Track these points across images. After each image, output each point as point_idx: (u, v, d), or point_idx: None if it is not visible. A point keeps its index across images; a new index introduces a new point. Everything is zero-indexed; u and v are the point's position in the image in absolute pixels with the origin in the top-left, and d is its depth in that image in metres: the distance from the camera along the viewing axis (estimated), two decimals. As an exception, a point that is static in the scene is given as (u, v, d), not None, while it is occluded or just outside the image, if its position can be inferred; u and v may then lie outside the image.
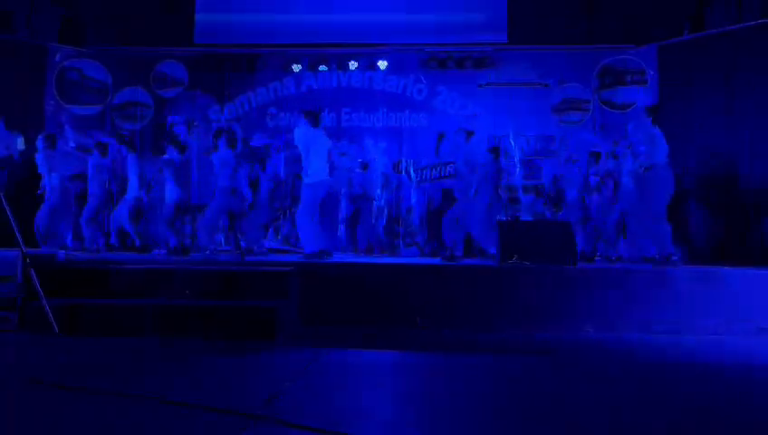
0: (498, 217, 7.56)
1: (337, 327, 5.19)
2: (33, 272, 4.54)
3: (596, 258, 7.72)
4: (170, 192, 7.57)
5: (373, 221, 8.89)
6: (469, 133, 7.48)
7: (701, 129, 8.40)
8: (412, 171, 9.57)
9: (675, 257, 6.40)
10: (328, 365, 3.86)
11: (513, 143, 9.50)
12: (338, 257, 7.40)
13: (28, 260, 4.62)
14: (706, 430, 2.66)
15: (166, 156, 7.77)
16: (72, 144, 9.09)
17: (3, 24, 8.96)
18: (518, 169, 9.46)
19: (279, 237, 8.73)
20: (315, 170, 6.47)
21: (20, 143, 4.58)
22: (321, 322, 5.27)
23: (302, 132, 6.59)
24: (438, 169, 9.48)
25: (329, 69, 9.73)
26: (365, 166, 8.87)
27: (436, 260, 7.47)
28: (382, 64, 9.63)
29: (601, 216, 7.88)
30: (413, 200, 9.51)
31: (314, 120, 6.61)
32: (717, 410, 2.98)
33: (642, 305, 5.36)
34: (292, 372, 3.55)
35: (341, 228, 9.17)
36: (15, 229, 4.61)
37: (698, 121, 8.44)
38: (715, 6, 8.69)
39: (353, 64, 9.65)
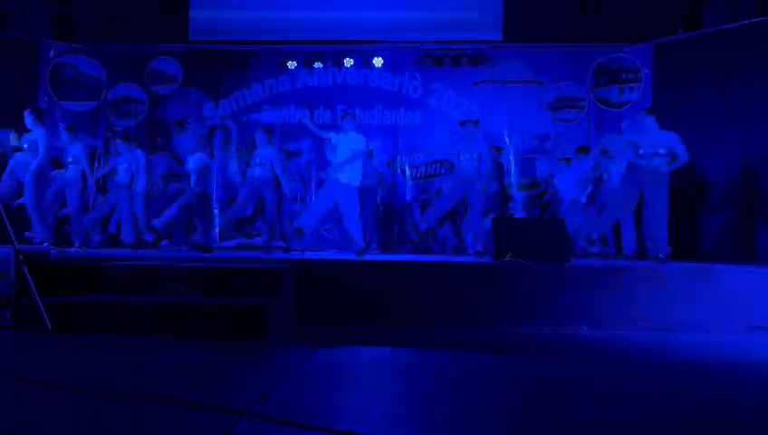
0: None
1: (331, 325, 5.18)
2: (26, 270, 4.52)
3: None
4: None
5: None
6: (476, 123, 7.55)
7: (697, 128, 8.42)
8: (407, 169, 9.57)
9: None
10: (322, 363, 3.86)
11: (508, 141, 9.51)
12: (333, 254, 7.41)
13: (21, 257, 4.60)
14: (704, 429, 2.67)
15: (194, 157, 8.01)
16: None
17: (-4, 22, 8.92)
18: (513, 167, 9.48)
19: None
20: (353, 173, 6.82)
21: (13, 139, 4.54)
22: (316, 320, 5.27)
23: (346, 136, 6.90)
24: (434, 166, 9.50)
25: (324, 66, 9.71)
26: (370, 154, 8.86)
27: (432, 257, 7.49)
28: (378, 62, 9.62)
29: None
30: (408, 197, 9.51)
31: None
32: (717, 410, 2.99)
33: (637, 303, 5.38)
34: (286, 370, 3.55)
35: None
36: (8, 226, 4.59)
37: (694, 120, 8.46)
38: (711, 5, 8.72)
39: (349, 62, 9.63)
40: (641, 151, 6.46)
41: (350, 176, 6.83)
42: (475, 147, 7.21)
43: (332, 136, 7.05)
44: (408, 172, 9.55)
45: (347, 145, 6.86)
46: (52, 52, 9.40)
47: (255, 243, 8.33)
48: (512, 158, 9.50)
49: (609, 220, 7.13)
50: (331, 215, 7.46)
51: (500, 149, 8.45)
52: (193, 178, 7.74)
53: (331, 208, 7.11)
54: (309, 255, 7.06)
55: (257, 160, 7.61)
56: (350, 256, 6.71)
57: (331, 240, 9.02)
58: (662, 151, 6.40)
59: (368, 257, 6.81)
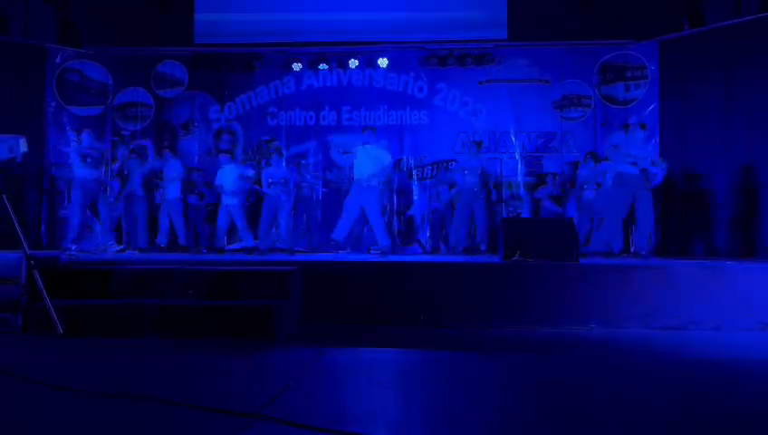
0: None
1: (339, 326, 5.19)
2: (36, 274, 4.54)
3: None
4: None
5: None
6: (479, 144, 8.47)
7: (702, 124, 8.39)
8: (414, 169, 9.56)
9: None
10: (330, 364, 3.87)
11: (514, 140, 9.49)
12: (341, 255, 7.42)
13: (32, 262, 4.62)
14: (715, 427, 2.66)
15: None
16: (74, 145, 9.13)
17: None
18: (519, 166, 9.46)
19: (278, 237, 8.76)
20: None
21: (23, 145, 4.57)
22: (323, 321, 5.28)
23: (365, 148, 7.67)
24: (440, 166, 9.48)
25: (329, 67, 9.72)
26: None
27: (438, 258, 7.51)
28: (383, 62, 9.61)
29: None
30: (414, 198, 9.50)
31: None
32: (728, 408, 2.98)
33: (646, 301, 5.36)
34: (294, 372, 3.55)
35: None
36: (19, 231, 4.61)
37: (699, 116, 8.43)
38: (715, 0, 8.68)
39: (353, 63, 9.63)
40: (630, 161, 7.24)
41: (373, 183, 7.57)
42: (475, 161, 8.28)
43: (356, 151, 7.74)
44: (414, 173, 9.54)
45: (371, 158, 7.56)
46: (58, 57, 9.44)
47: (259, 245, 8.42)
48: (518, 156, 9.48)
49: (610, 229, 7.52)
50: (358, 220, 7.97)
51: (479, 144, 8.71)
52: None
53: (358, 215, 7.76)
54: (318, 256, 7.09)
55: (274, 178, 8.23)
56: (357, 258, 6.71)
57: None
58: (646, 162, 7.29)
59: (373, 259, 6.82)
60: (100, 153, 8.24)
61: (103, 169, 8.19)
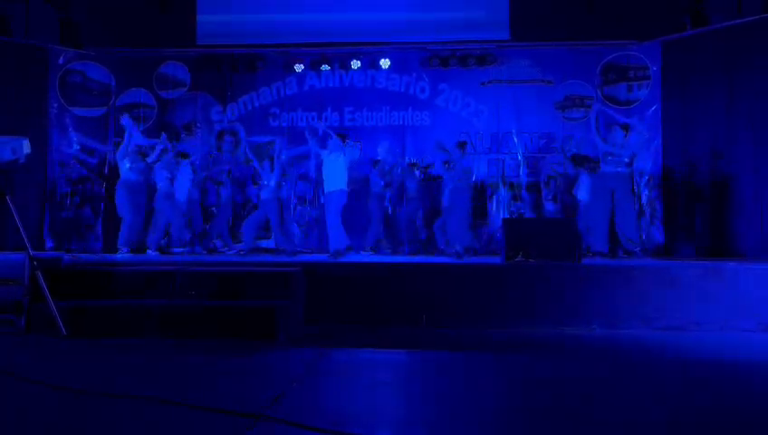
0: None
1: (342, 327, 5.20)
2: (39, 275, 4.56)
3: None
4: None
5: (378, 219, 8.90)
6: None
7: (704, 124, 8.37)
8: (416, 170, 9.54)
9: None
10: (333, 365, 3.87)
11: (516, 141, 9.49)
12: (344, 257, 7.42)
13: (35, 263, 4.63)
14: (712, 428, 2.65)
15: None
16: (76, 147, 9.15)
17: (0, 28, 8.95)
18: (521, 167, 9.45)
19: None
20: (336, 181, 7.56)
21: (26, 146, 4.57)
22: (324, 321, 5.28)
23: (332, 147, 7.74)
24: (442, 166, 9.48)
25: (331, 68, 9.71)
26: (375, 163, 9.02)
27: (439, 259, 7.51)
28: (385, 63, 9.60)
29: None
30: (416, 198, 9.48)
31: (343, 139, 7.93)
32: (730, 409, 2.98)
33: (647, 301, 5.35)
34: (296, 372, 3.56)
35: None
36: (22, 232, 4.63)
37: (701, 117, 8.41)
38: (717, 0, 8.66)
39: (356, 63, 9.62)
40: (609, 159, 7.53)
41: (332, 184, 7.57)
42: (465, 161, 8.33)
43: (325, 154, 7.84)
44: (416, 173, 9.53)
45: (329, 167, 7.68)
46: (61, 58, 9.45)
47: (261, 245, 8.49)
48: (520, 157, 9.47)
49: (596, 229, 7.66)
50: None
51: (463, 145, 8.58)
52: None
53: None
54: (319, 257, 7.10)
55: (265, 182, 8.42)
56: (359, 259, 6.71)
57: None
58: (626, 160, 7.51)
59: (377, 259, 6.83)
60: (146, 154, 8.28)
61: (147, 170, 8.23)
